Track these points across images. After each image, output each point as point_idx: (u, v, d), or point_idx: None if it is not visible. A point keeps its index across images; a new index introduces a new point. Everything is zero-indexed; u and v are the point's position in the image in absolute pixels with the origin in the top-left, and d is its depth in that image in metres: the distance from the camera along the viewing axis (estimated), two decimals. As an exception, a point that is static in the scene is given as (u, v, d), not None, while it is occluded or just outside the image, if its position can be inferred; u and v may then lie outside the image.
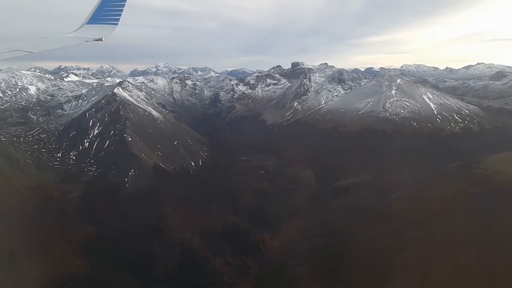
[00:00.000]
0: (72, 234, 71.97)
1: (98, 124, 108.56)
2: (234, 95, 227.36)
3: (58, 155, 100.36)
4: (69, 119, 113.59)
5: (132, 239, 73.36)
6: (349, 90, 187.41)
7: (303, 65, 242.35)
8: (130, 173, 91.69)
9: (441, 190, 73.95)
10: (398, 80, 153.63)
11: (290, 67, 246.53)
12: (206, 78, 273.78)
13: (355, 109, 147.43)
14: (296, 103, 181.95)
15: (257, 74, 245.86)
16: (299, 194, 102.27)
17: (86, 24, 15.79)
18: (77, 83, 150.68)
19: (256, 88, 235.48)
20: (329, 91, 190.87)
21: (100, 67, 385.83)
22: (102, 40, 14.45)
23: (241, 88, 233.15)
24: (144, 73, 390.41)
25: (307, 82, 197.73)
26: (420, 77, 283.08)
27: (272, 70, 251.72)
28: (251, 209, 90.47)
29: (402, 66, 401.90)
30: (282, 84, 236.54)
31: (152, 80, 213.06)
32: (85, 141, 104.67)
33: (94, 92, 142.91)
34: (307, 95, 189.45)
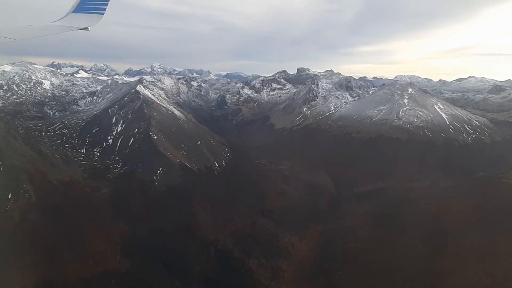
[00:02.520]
0: (108, 231, 71.69)
1: (121, 121, 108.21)
2: (240, 98, 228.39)
3: (82, 150, 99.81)
4: (90, 115, 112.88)
5: (167, 238, 73.62)
6: (357, 97, 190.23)
7: (309, 71, 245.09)
8: (158, 172, 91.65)
9: (472, 199, 76.19)
10: (410, 89, 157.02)
11: (295, 73, 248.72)
12: (206, 80, 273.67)
13: (367, 116, 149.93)
14: (305, 109, 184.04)
15: (262, 78, 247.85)
16: (321, 198, 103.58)
17: (72, 13, 15.64)
18: (91, 79, 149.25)
19: (262, 92, 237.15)
20: (337, 97, 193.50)
21: (94, 65, 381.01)
22: (88, 30, 14.28)
23: (247, 91, 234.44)
24: (139, 73, 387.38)
25: (315, 88, 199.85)
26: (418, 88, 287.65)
27: (277, 75, 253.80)
28: (277, 212, 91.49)
29: (396, 77, 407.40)
30: (287, 89, 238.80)
31: (160, 80, 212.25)
32: (109, 137, 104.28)
33: (109, 89, 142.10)
34: (316, 100, 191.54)
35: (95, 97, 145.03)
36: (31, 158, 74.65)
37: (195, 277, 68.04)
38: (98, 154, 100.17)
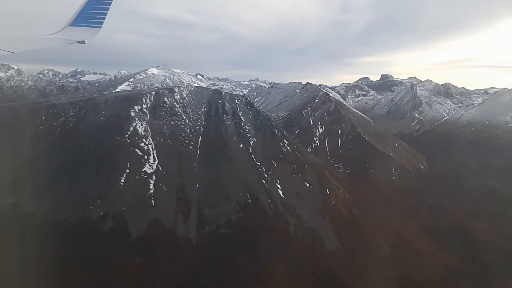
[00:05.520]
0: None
1: (319, 123, 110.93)
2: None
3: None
4: (284, 116, 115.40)
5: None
6: (460, 104, 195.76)
7: (392, 77, 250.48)
8: (393, 172, 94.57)
9: None
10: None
11: (379, 79, 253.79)
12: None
13: (502, 121, 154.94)
14: (416, 114, 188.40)
15: (345, 84, 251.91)
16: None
17: (69, 26, 15.48)
18: (234, 83, 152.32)
19: (347, 99, 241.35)
20: (441, 104, 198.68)
21: (118, 72, 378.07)
22: (85, 43, 14.32)
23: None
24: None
25: (414, 94, 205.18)
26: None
27: (359, 82, 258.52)
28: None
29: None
30: (372, 95, 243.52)
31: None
32: (315, 138, 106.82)
33: (255, 93, 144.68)
34: (422, 106, 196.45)
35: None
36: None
37: None
38: (312, 153, 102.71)
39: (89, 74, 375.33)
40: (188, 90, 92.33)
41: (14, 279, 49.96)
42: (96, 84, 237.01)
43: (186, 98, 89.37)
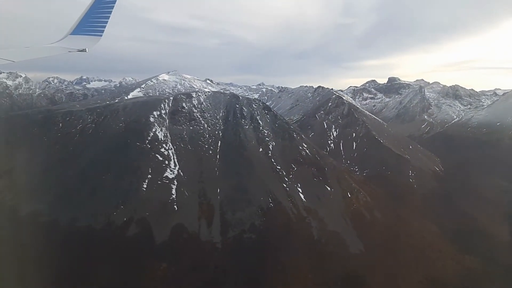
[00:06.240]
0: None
1: (333, 126, 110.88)
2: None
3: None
4: (298, 119, 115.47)
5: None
6: (469, 106, 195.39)
7: (400, 80, 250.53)
8: (410, 174, 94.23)
9: None
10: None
11: (387, 82, 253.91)
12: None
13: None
14: (425, 116, 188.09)
15: (353, 88, 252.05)
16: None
17: (70, 34, 15.52)
18: (244, 88, 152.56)
19: (355, 101, 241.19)
20: (449, 106, 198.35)
21: (123, 79, 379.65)
22: (86, 51, 14.37)
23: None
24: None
25: (423, 96, 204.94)
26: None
27: (367, 85, 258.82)
28: None
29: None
30: (379, 98, 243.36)
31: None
32: (329, 142, 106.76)
33: (266, 97, 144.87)
34: (431, 109, 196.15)
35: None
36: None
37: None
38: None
39: (94, 81, 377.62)
40: (205, 95, 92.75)
41: (38, 285, 50.00)
42: (103, 91, 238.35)
43: (203, 103, 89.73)
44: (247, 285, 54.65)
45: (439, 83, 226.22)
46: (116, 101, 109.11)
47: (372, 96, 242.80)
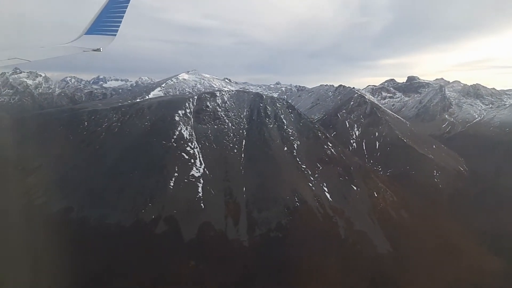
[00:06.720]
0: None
1: (355, 125, 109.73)
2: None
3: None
4: (319, 118, 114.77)
5: None
6: (491, 105, 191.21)
7: (419, 79, 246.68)
8: (434, 174, 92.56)
9: None
10: None
11: (406, 81, 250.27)
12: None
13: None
14: (446, 116, 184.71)
15: (371, 86, 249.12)
16: None
17: (85, 34, 15.58)
18: (263, 87, 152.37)
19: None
20: (471, 105, 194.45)
21: (139, 78, 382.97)
22: (100, 51, 14.35)
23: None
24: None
25: (443, 96, 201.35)
26: None
27: (385, 84, 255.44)
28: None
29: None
30: (398, 97, 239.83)
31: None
32: (351, 141, 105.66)
33: (285, 96, 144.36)
34: (452, 108, 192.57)
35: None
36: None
37: None
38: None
39: (111, 80, 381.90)
40: (229, 94, 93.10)
41: (71, 282, 50.71)
42: (120, 90, 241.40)
43: (227, 102, 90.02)
44: (275, 284, 54.52)
45: (459, 82, 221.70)
46: (138, 100, 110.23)
47: (391, 95, 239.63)
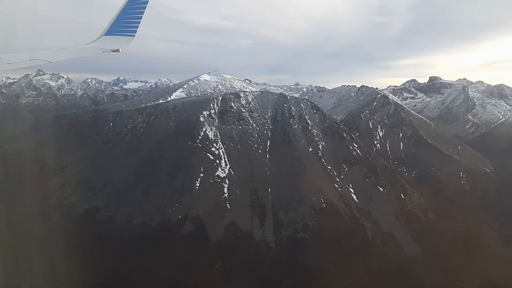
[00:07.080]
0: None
1: (379, 126, 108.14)
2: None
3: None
4: (342, 119, 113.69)
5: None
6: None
7: (441, 79, 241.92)
8: (461, 176, 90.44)
9: None
10: None
11: (427, 81, 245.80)
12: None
13: None
14: (470, 116, 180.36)
15: (392, 87, 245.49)
16: None
17: (104, 35, 15.65)
18: (284, 88, 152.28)
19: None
20: (495, 106, 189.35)
21: (159, 80, 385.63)
22: (119, 51, 14.44)
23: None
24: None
25: (466, 96, 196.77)
26: None
27: (407, 84, 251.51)
28: None
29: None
30: (420, 98, 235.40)
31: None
32: (375, 142, 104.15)
33: (307, 96, 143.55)
34: (475, 109, 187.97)
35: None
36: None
37: None
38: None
39: (131, 82, 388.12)
40: (253, 95, 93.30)
41: (98, 281, 51.47)
42: (140, 92, 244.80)
43: (251, 102, 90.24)
44: (302, 285, 54.27)
45: (483, 82, 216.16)
46: (160, 101, 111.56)
47: (413, 95, 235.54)
